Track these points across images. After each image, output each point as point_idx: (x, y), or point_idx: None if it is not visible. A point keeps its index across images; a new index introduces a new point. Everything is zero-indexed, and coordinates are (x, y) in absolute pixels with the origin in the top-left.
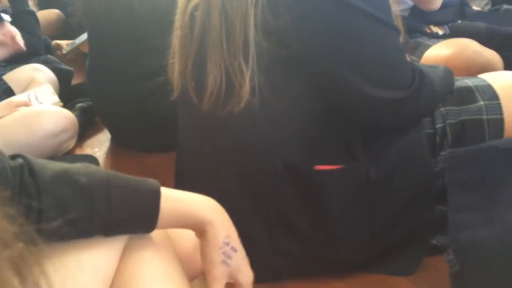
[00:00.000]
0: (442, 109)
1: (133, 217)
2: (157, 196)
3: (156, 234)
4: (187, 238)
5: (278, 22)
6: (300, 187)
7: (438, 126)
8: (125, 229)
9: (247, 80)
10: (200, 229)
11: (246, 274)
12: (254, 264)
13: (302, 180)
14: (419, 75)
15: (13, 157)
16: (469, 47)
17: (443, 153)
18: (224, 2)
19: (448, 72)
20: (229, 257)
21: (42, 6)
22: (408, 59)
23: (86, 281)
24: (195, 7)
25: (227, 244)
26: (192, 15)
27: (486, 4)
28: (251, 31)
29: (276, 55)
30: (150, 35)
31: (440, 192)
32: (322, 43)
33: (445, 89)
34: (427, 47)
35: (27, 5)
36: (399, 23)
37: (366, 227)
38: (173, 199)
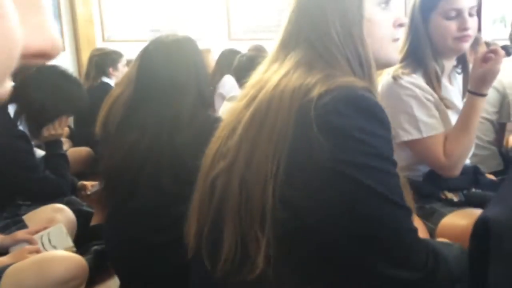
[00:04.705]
0: None
1: None
2: None
3: None
4: None
5: (294, 194)
6: None
7: None
8: None
9: (263, 249)
10: None
11: None
12: None
13: None
14: (433, 255)
15: None
16: None
17: None
18: (245, 173)
19: (463, 252)
20: None
21: (76, 141)
22: (424, 227)
23: None
24: (217, 175)
25: None
26: (212, 182)
27: (498, 165)
28: (269, 202)
29: (291, 225)
30: (178, 190)
31: None
32: (335, 219)
33: (461, 269)
34: (443, 215)
35: (61, 148)
36: (407, 192)
37: None
38: None
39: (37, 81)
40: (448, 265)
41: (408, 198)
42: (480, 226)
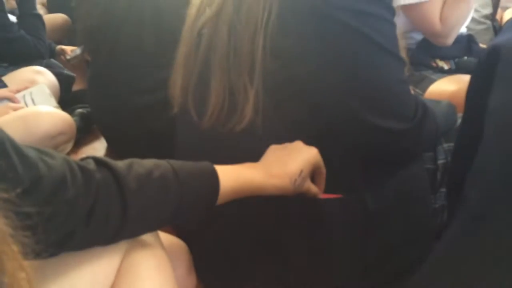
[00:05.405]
0: (445, 145)
1: (197, 204)
2: (216, 179)
3: (155, 253)
4: (182, 261)
5: (286, 43)
6: (296, 213)
7: (440, 162)
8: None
9: (251, 99)
10: (263, 192)
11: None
12: None
13: (298, 207)
14: (422, 108)
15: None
16: None
17: (443, 190)
18: (233, 20)
19: (451, 108)
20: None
21: (51, 10)
22: (412, 91)
23: None
24: (204, 24)
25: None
26: (199, 32)
27: (491, 40)
28: (259, 50)
29: (281, 76)
30: (161, 50)
31: (439, 229)
32: (327, 68)
33: (448, 124)
34: (432, 81)
35: (35, 8)
36: (404, 56)
37: (361, 259)
38: (229, 176)
39: None
40: (436, 120)
41: (403, 54)
42: (492, 52)
